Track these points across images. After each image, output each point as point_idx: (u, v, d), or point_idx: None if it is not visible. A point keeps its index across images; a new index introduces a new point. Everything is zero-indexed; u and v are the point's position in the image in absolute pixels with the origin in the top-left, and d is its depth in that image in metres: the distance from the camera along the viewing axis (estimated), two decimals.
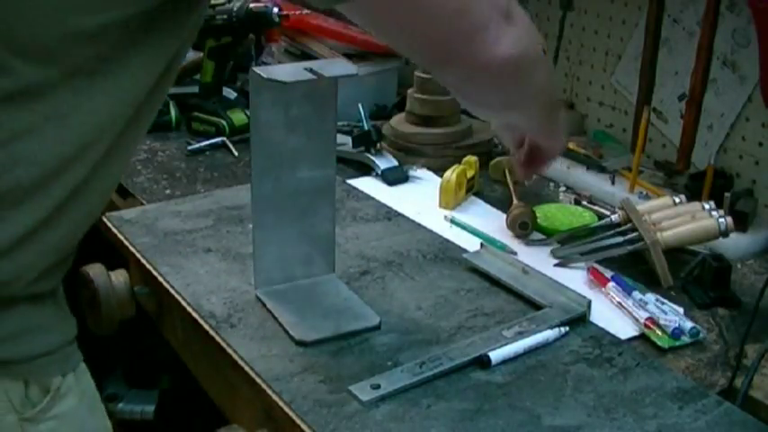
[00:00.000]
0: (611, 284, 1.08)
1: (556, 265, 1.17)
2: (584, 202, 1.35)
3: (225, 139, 1.58)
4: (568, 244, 1.21)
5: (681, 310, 1.05)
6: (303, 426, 0.81)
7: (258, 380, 0.88)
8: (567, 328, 0.97)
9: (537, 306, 1.02)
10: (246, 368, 0.90)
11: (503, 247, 1.19)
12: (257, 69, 0.92)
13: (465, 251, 1.15)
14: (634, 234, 1.16)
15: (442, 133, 1.51)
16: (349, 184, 1.38)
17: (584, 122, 1.63)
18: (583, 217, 1.30)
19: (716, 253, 1.16)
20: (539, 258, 1.17)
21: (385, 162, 1.45)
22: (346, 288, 1.04)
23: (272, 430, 0.88)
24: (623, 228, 1.20)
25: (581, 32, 1.59)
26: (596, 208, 1.32)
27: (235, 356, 0.92)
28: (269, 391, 0.86)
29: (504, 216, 1.26)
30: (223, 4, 1.61)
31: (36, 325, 0.76)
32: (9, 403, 0.73)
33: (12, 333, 0.74)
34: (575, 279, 1.11)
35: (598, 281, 1.11)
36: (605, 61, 1.56)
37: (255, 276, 1.03)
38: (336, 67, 0.98)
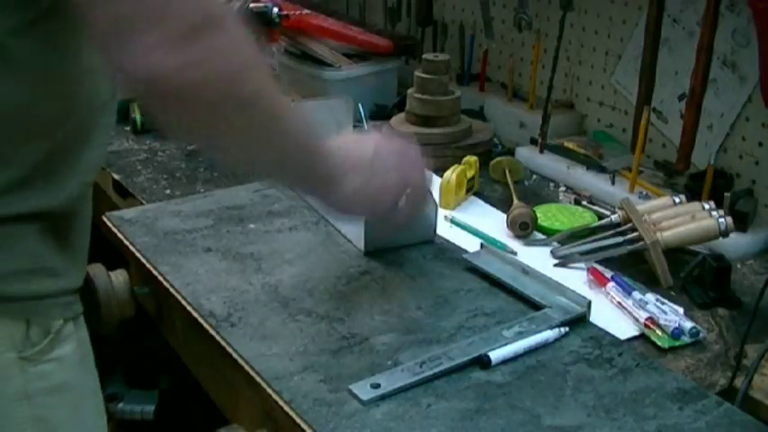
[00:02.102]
0: (611, 284, 1.08)
1: (556, 265, 1.17)
2: (584, 202, 1.35)
3: None
4: (568, 244, 1.21)
5: (681, 310, 1.05)
6: (303, 425, 0.81)
7: (258, 379, 0.88)
8: (567, 329, 0.97)
9: (537, 306, 1.02)
10: (246, 368, 0.90)
11: (503, 247, 1.19)
12: None
13: (465, 251, 1.15)
14: (634, 234, 1.16)
15: (442, 133, 1.51)
16: None
17: (584, 122, 1.63)
18: (583, 217, 1.30)
19: (716, 253, 1.16)
20: (539, 258, 1.17)
21: None
22: None
23: (272, 430, 0.88)
24: (623, 228, 1.20)
25: (581, 32, 1.59)
26: (596, 208, 1.32)
27: (235, 356, 0.92)
28: (269, 391, 0.86)
29: (504, 216, 1.26)
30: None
31: (42, 267, 0.76)
32: (10, 341, 0.74)
33: (18, 271, 0.75)
34: (575, 279, 1.11)
35: (598, 281, 1.11)
36: (605, 61, 1.56)
37: None
38: None
